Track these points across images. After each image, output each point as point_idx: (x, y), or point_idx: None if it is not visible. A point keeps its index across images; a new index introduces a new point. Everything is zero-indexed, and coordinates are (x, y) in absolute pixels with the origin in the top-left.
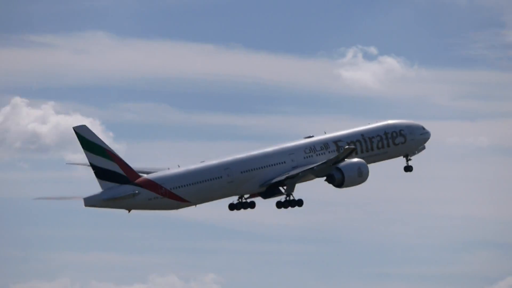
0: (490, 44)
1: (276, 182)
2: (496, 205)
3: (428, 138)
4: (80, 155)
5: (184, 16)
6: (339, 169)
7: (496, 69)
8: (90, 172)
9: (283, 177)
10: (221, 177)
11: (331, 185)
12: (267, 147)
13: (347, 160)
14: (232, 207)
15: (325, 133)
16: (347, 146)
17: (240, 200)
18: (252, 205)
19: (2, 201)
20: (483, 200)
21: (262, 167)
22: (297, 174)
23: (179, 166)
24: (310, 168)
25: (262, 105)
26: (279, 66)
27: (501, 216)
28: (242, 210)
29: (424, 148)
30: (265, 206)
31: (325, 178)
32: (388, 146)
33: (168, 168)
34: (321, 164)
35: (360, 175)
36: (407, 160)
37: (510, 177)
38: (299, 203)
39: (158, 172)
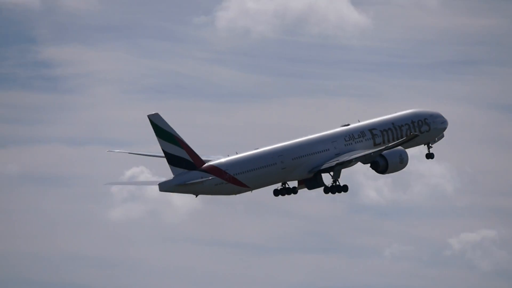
0: (21, 61)
1: (325, 168)
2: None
3: (446, 127)
4: None
5: None
6: (382, 156)
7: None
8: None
9: (333, 163)
10: (275, 163)
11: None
12: (310, 135)
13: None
14: (276, 193)
15: (358, 121)
16: (413, 133)
17: (283, 186)
18: (294, 190)
19: None
20: None
21: (310, 154)
22: (351, 160)
23: (237, 153)
24: (363, 154)
25: None
26: None
27: None
28: (286, 195)
29: (443, 136)
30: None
31: (369, 164)
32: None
33: (228, 155)
34: (379, 150)
35: (401, 162)
36: (429, 148)
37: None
38: (345, 188)
39: (221, 159)
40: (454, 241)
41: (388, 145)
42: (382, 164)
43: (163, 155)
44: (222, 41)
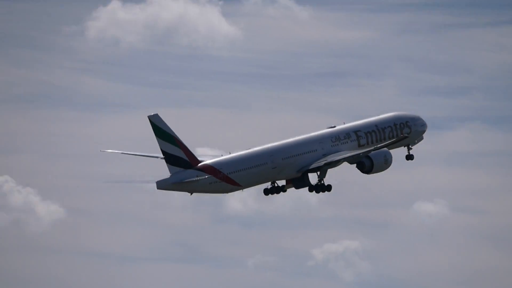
0: None
1: (314, 168)
2: None
3: (426, 130)
4: None
5: None
6: (368, 157)
7: None
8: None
9: (322, 163)
10: (266, 163)
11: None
12: (298, 136)
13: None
14: (266, 192)
15: (344, 123)
16: (402, 134)
17: (273, 185)
18: (283, 189)
19: None
20: None
21: (299, 154)
22: (338, 160)
23: (230, 153)
24: (352, 155)
25: None
26: None
27: None
28: (275, 194)
29: (422, 138)
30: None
31: (355, 164)
32: (397, 136)
33: (221, 155)
34: (368, 150)
35: (386, 162)
36: (409, 150)
37: None
38: (329, 188)
39: (215, 158)
40: (317, 252)
41: (377, 146)
42: (368, 165)
43: (155, 155)
44: (91, 51)
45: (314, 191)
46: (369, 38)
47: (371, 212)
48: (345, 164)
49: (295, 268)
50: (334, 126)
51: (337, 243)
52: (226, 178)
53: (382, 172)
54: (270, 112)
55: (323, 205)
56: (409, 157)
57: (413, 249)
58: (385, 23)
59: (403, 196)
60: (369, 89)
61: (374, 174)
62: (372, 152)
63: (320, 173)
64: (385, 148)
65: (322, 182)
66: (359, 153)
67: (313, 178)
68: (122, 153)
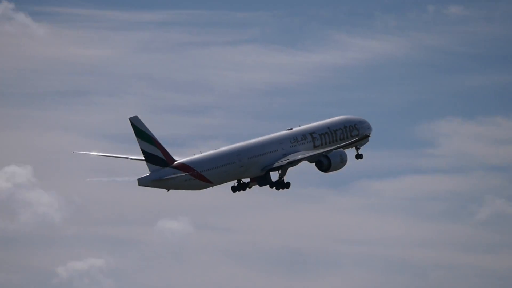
0: None
1: (276, 166)
2: None
3: (371, 133)
4: None
5: None
6: (326, 156)
7: None
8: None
9: (284, 162)
10: (234, 162)
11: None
12: (259, 137)
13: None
14: (234, 189)
15: (299, 126)
16: (365, 134)
17: (239, 182)
18: (249, 185)
19: None
20: None
21: (262, 154)
22: (300, 159)
23: (201, 152)
24: (311, 154)
25: None
26: None
27: None
28: (242, 191)
29: (368, 141)
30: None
31: (314, 163)
32: (347, 137)
33: (194, 154)
34: (331, 149)
35: (342, 161)
36: (357, 150)
37: None
38: (288, 185)
39: (188, 157)
40: (61, 270)
41: (340, 145)
42: (326, 163)
43: (124, 156)
44: None
45: (274, 188)
46: (109, 56)
47: (116, 229)
48: (305, 162)
49: (40, 287)
50: (291, 129)
51: (82, 261)
52: (199, 176)
53: (339, 170)
54: (13, 130)
55: (67, 223)
56: (359, 156)
57: (157, 266)
58: (124, 41)
59: (148, 214)
60: (111, 107)
61: (331, 172)
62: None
63: (281, 172)
64: (341, 149)
65: (282, 179)
66: (320, 152)
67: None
68: (96, 154)
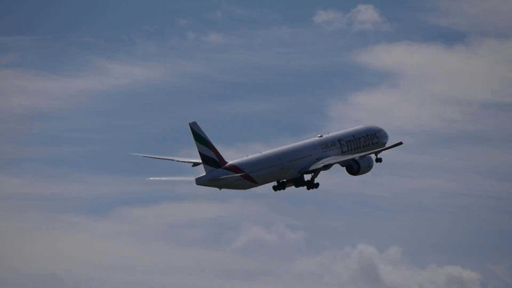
0: None
1: (312, 169)
2: None
3: (387, 141)
4: None
5: None
6: (356, 161)
7: None
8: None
9: (320, 166)
10: (276, 165)
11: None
12: (295, 142)
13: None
14: (275, 188)
15: (328, 133)
16: (399, 141)
17: (279, 182)
18: (284, 186)
19: None
20: None
21: (299, 158)
22: (333, 163)
23: (247, 156)
24: (345, 159)
25: None
26: None
27: None
28: (282, 190)
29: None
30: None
31: (345, 167)
32: (369, 145)
33: (241, 157)
34: (364, 154)
35: (369, 166)
36: (376, 155)
37: None
38: (317, 185)
39: (237, 159)
40: None
41: (373, 151)
42: (355, 167)
43: (172, 158)
44: None
45: (306, 187)
46: None
47: None
48: (336, 166)
49: None
50: (322, 136)
51: None
52: (247, 176)
53: (367, 173)
54: None
55: None
56: (378, 160)
57: None
58: None
59: None
60: None
61: (360, 175)
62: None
63: (313, 174)
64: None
65: (314, 181)
66: (353, 157)
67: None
68: (143, 156)
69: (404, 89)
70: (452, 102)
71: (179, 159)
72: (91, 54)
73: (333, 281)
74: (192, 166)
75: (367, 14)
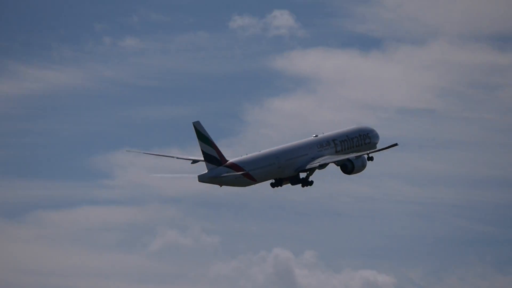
0: None
1: (308, 168)
2: None
3: (378, 141)
4: None
5: None
6: (350, 160)
7: None
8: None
9: (316, 165)
10: (274, 163)
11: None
12: (292, 142)
13: (353, 154)
14: (273, 185)
15: (323, 133)
16: (394, 143)
17: (276, 179)
18: (281, 184)
19: None
20: None
21: (296, 157)
22: (329, 163)
23: (247, 154)
24: (340, 159)
25: None
26: None
27: None
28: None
29: (376, 147)
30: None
31: (340, 167)
32: (361, 145)
33: (241, 156)
34: (359, 154)
35: (363, 165)
36: (368, 154)
37: None
38: (311, 183)
39: (237, 158)
40: None
41: (370, 151)
42: (350, 167)
43: (171, 155)
44: None
45: (300, 185)
46: None
47: None
48: (331, 165)
49: None
50: (317, 135)
51: None
52: (247, 174)
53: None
54: None
55: None
56: (370, 158)
57: None
58: None
59: None
60: None
61: (354, 174)
62: (352, 156)
63: (309, 172)
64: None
65: (309, 179)
66: (350, 157)
67: None
68: (144, 152)
69: (320, 94)
70: (368, 108)
71: (178, 156)
72: (6, 58)
73: (248, 285)
74: (191, 163)
75: (282, 20)
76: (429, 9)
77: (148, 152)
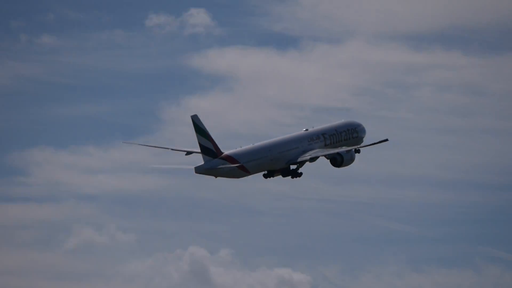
0: None
1: (299, 161)
2: None
3: (365, 135)
4: None
5: None
6: (339, 154)
7: None
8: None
9: (307, 158)
10: (266, 156)
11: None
12: (283, 135)
13: (344, 148)
14: (265, 176)
15: (313, 127)
16: (384, 139)
17: (268, 171)
18: (273, 175)
19: None
20: None
21: (287, 150)
22: (319, 156)
23: (241, 147)
24: (330, 152)
25: None
26: None
27: None
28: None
29: (362, 141)
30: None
31: (330, 160)
32: (349, 139)
33: (236, 148)
34: (350, 149)
35: (351, 159)
36: (357, 148)
37: None
38: (300, 175)
39: (232, 150)
40: None
41: (360, 146)
42: (339, 160)
43: (166, 147)
44: None
45: (290, 177)
46: None
47: None
48: (321, 158)
49: None
50: (307, 129)
51: None
52: (241, 166)
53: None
54: None
55: None
56: (357, 151)
57: None
58: None
59: None
60: None
61: (343, 167)
62: (342, 150)
63: (299, 165)
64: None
65: (299, 171)
66: (339, 151)
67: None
68: (139, 144)
69: (237, 93)
70: (285, 106)
71: (173, 148)
72: None
73: (164, 283)
74: (186, 154)
75: (199, 18)
76: (345, 8)
77: (145, 144)
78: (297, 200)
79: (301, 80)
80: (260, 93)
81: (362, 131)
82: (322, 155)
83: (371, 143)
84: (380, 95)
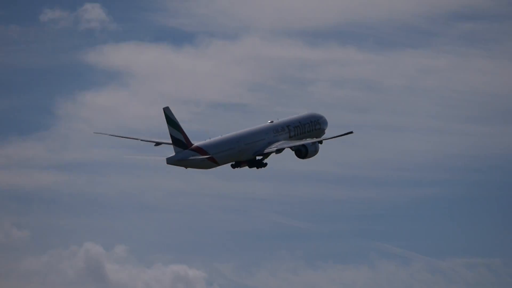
0: None
1: (266, 152)
2: None
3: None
4: None
5: None
6: (304, 145)
7: None
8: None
9: (273, 149)
10: (234, 147)
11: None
12: (249, 127)
13: (309, 140)
14: (233, 166)
15: (278, 119)
16: (350, 131)
17: (235, 163)
18: (240, 165)
19: None
20: None
21: (254, 142)
22: (285, 147)
23: (210, 138)
24: (295, 144)
25: None
26: None
27: None
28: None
29: (324, 133)
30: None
31: (295, 152)
32: (312, 130)
33: (205, 139)
34: (315, 141)
35: (315, 150)
36: (322, 141)
37: None
38: (265, 165)
39: (201, 141)
40: None
41: (324, 138)
42: (304, 151)
43: (136, 137)
44: None
45: (255, 167)
46: None
47: None
48: (287, 150)
49: None
50: (273, 121)
51: None
52: (211, 158)
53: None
54: None
55: None
56: (320, 142)
57: None
58: None
59: None
60: None
61: (307, 158)
62: (306, 142)
63: (264, 156)
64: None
65: (264, 161)
66: (303, 143)
67: None
68: (110, 135)
69: (133, 88)
70: (181, 102)
71: (142, 139)
72: None
73: (59, 280)
74: (155, 145)
75: (94, 13)
76: (241, 4)
77: (115, 135)
78: (194, 196)
79: (197, 75)
80: (156, 88)
81: (324, 123)
82: (287, 147)
83: (336, 135)
84: (276, 90)
